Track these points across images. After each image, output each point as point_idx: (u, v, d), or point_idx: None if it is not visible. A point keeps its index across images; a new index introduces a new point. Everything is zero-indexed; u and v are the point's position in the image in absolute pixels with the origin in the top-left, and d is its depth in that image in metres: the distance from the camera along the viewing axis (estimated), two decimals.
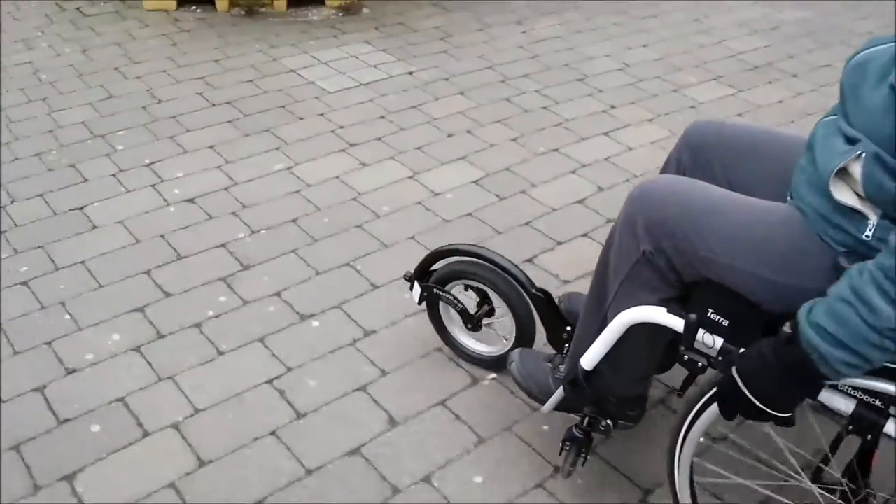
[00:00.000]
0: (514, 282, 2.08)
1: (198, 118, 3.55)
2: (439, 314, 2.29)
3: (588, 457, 1.87)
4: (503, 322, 2.20)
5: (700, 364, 1.59)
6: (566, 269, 2.68)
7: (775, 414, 1.37)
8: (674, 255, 1.56)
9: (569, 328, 2.00)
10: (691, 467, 1.65)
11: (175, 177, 3.13)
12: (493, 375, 2.26)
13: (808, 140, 1.49)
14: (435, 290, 2.20)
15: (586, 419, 1.82)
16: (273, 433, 2.08)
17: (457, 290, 2.21)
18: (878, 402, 1.39)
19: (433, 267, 2.22)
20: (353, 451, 2.04)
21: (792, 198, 1.51)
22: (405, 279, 2.26)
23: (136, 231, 2.82)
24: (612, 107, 3.74)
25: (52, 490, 1.92)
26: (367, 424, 2.11)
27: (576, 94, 3.85)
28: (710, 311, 1.54)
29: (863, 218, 1.34)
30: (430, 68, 4.07)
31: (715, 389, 1.49)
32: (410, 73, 4.01)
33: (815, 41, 4.50)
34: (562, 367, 1.90)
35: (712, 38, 4.51)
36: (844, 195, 1.35)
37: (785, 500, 1.65)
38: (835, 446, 1.55)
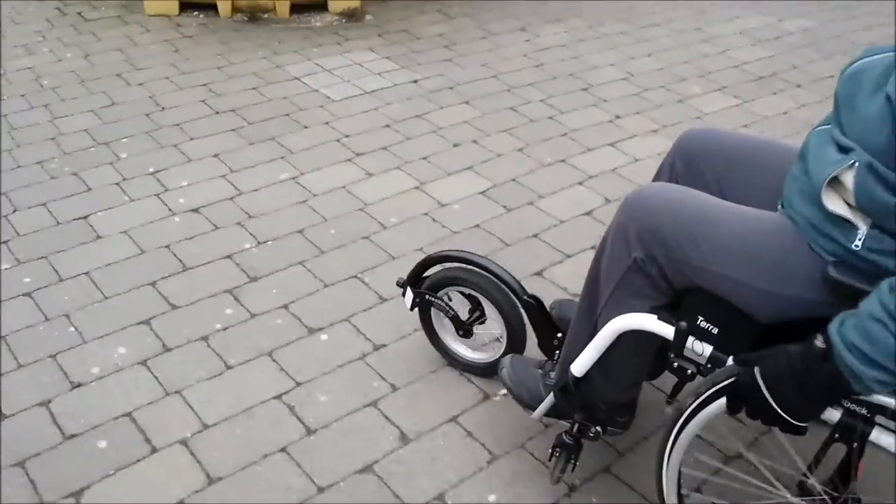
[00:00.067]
0: (505, 288, 2.09)
1: (201, 126, 3.52)
2: (431, 320, 2.29)
3: (577, 463, 1.87)
4: (494, 329, 2.20)
5: (689, 371, 1.62)
6: (575, 282, 2.64)
7: (792, 422, 1.36)
8: (665, 262, 1.57)
9: (560, 335, 2.02)
10: (679, 472, 1.65)
11: (179, 186, 3.10)
12: (505, 391, 2.23)
13: (800, 149, 1.50)
14: (427, 297, 2.20)
15: (576, 425, 1.84)
16: (283, 449, 2.05)
17: (448, 296, 2.22)
18: (863, 411, 1.40)
19: (425, 273, 2.23)
20: (366, 468, 2.01)
21: (783, 207, 1.52)
22: (398, 285, 2.26)
23: (141, 241, 2.79)
24: (618, 117, 3.73)
25: None
26: (379, 441, 2.08)
27: (581, 103, 3.84)
28: (700, 318, 1.56)
29: (852, 228, 1.35)
30: (434, 76, 4.05)
31: (723, 386, 1.47)
32: (415, 82, 3.99)
33: (817, 51, 4.50)
34: (552, 374, 1.91)
35: (715, 48, 4.51)
36: (835, 204, 1.36)
37: None
38: (821, 454, 1.56)
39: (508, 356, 2.02)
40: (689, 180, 1.78)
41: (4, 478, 1.95)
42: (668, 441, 1.60)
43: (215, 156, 3.31)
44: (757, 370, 1.36)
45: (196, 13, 4.66)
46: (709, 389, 1.49)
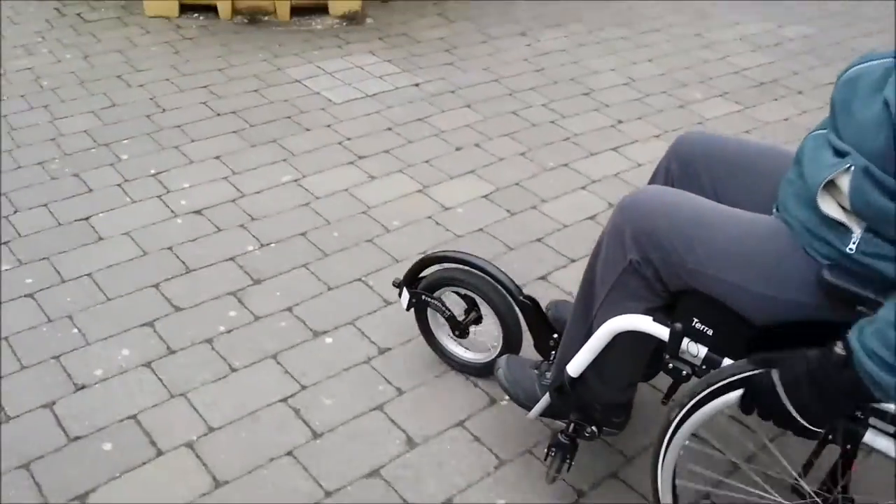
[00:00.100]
0: (501, 289, 2.10)
1: (203, 128, 3.51)
2: (427, 321, 2.29)
3: (573, 463, 1.88)
4: (490, 329, 2.21)
5: (684, 372, 1.64)
6: None
7: (808, 426, 1.36)
8: (661, 265, 1.58)
9: (556, 335, 2.02)
10: (674, 471, 1.65)
11: (181, 188, 3.09)
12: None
13: (796, 154, 1.51)
14: (423, 297, 2.20)
15: (572, 425, 1.84)
16: (289, 453, 2.04)
17: (445, 296, 2.23)
18: (857, 413, 1.40)
19: (422, 273, 2.23)
20: (373, 472, 2.00)
21: (778, 210, 1.53)
22: (394, 285, 2.27)
23: (143, 243, 2.78)
24: (620, 122, 3.73)
25: None
26: (386, 445, 2.07)
27: (582, 108, 3.84)
28: (696, 320, 1.58)
29: (847, 231, 1.36)
30: (435, 80, 4.05)
31: (719, 387, 1.47)
32: (416, 85, 3.99)
33: (817, 58, 4.51)
34: (548, 374, 1.92)
35: (715, 54, 4.51)
36: (830, 208, 1.37)
37: None
38: (814, 456, 1.58)
39: (504, 356, 2.03)
40: (684, 184, 1.80)
41: (9, 480, 1.94)
42: (662, 441, 1.60)
43: (217, 158, 3.30)
44: (775, 373, 1.36)
45: (196, 15, 4.65)
46: (703, 390, 1.50)
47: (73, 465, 1.98)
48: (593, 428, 1.84)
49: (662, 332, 1.59)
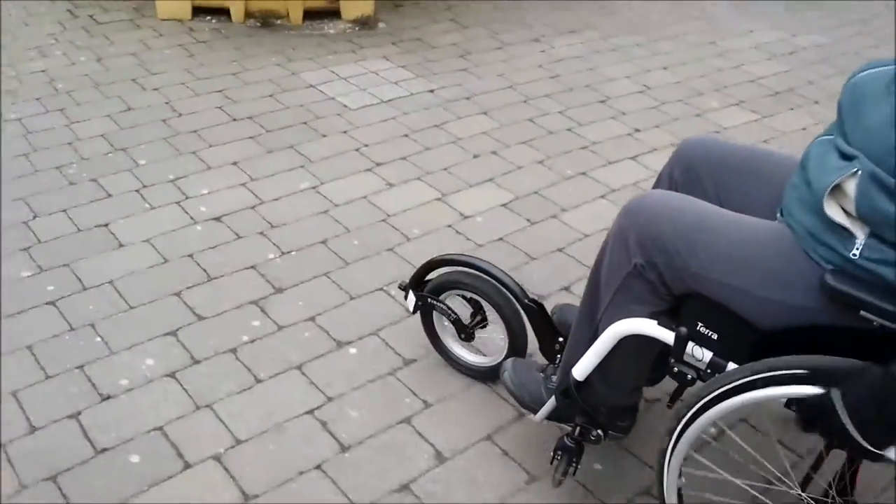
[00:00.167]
0: (507, 292, 2.10)
1: (219, 133, 3.50)
2: (433, 324, 2.29)
3: (578, 466, 1.88)
4: (496, 333, 2.21)
5: (689, 376, 1.63)
6: None
7: (870, 448, 1.34)
8: (665, 269, 1.59)
9: (561, 339, 2.03)
10: (680, 471, 1.65)
11: (200, 194, 3.07)
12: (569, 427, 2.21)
13: (801, 159, 1.52)
14: (429, 300, 2.21)
15: (577, 429, 1.85)
16: (318, 467, 2.03)
17: (451, 300, 2.23)
18: None
19: (428, 276, 2.24)
20: (403, 486, 1.99)
21: (782, 215, 1.54)
22: (400, 288, 2.27)
23: (164, 250, 2.76)
24: (637, 130, 3.72)
25: None
26: (414, 459, 2.06)
27: (599, 116, 3.83)
28: (700, 324, 1.58)
29: (850, 236, 1.37)
30: (450, 86, 4.04)
31: (728, 390, 1.47)
32: (431, 91, 3.97)
33: (832, 67, 4.51)
34: (554, 377, 1.93)
35: (730, 62, 4.51)
36: (834, 212, 1.38)
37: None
38: (820, 461, 1.62)
39: (510, 359, 2.05)
40: (688, 189, 1.81)
41: (37, 492, 1.92)
42: (668, 444, 1.61)
43: (234, 163, 3.28)
44: (836, 393, 1.34)
45: (208, 18, 4.63)
46: (709, 394, 1.50)
47: (100, 478, 1.97)
48: (599, 431, 1.85)
49: (667, 336, 1.60)
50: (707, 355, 1.57)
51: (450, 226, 2.98)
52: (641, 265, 1.61)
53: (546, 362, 2.06)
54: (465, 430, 2.15)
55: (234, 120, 3.61)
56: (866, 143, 1.34)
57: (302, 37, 4.51)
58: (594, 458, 2.07)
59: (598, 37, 4.73)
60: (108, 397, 2.19)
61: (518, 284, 2.10)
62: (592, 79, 4.21)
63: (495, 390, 2.27)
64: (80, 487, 1.94)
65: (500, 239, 2.92)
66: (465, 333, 2.23)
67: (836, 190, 1.37)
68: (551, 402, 1.88)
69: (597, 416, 1.82)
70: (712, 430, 1.92)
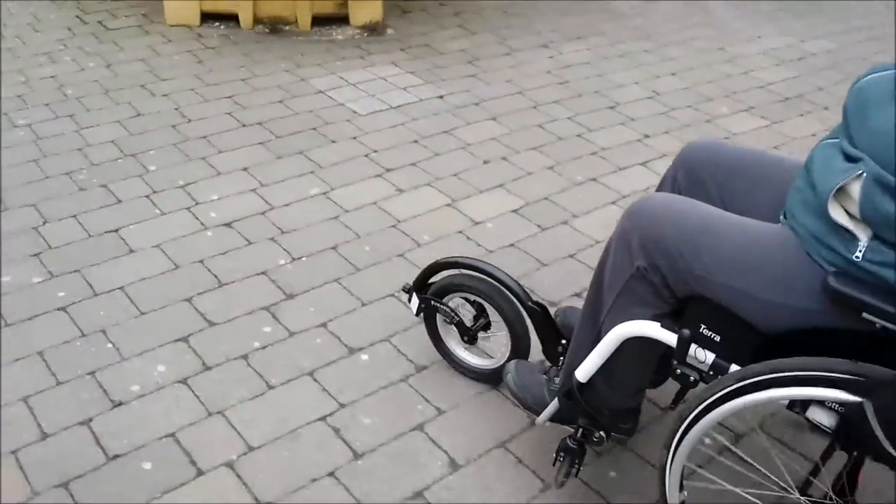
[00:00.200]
0: (510, 295, 2.10)
1: (229, 139, 3.49)
2: (436, 326, 2.29)
3: (581, 468, 1.88)
4: (499, 335, 2.21)
5: (692, 378, 1.64)
6: None
7: None
8: (668, 271, 1.59)
9: (564, 342, 2.03)
10: (682, 473, 1.65)
11: (210, 199, 3.07)
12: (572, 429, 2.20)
13: (805, 162, 1.53)
14: (432, 302, 2.21)
15: (580, 430, 1.86)
16: (331, 474, 2.02)
17: (454, 302, 2.23)
18: None
19: (432, 279, 2.24)
20: (416, 494, 1.97)
21: (785, 218, 1.55)
22: (403, 290, 2.27)
23: (175, 256, 2.75)
24: (647, 136, 3.71)
25: None
26: (428, 466, 2.05)
27: (608, 122, 3.82)
28: (703, 326, 1.59)
29: (853, 239, 1.38)
30: (459, 92, 4.03)
31: (725, 393, 1.47)
32: (440, 97, 3.97)
33: (840, 73, 4.50)
34: (557, 379, 1.93)
35: (738, 68, 4.50)
36: (837, 214, 1.39)
37: None
38: (824, 459, 1.60)
39: (513, 361, 2.05)
40: (691, 192, 1.82)
41: (49, 499, 1.91)
42: (671, 446, 1.60)
43: (244, 169, 3.28)
44: (868, 405, 1.33)
45: (217, 24, 4.63)
46: (711, 396, 1.50)
47: (113, 485, 1.96)
48: (601, 433, 1.86)
49: (670, 338, 1.60)
50: (710, 357, 1.58)
51: (460, 231, 2.97)
52: (644, 268, 1.61)
53: (549, 364, 2.06)
54: (478, 437, 2.14)
55: (244, 126, 3.61)
56: (872, 145, 1.35)
57: (310, 43, 4.51)
58: (610, 466, 2.06)
59: (605, 43, 4.73)
60: (120, 404, 2.18)
61: (521, 287, 2.10)
62: (601, 85, 4.20)
63: (508, 397, 2.25)
64: (92, 494, 1.93)
65: (512, 245, 2.92)
66: (468, 336, 2.23)
67: (840, 192, 1.38)
68: (554, 404, 1.89)
69: (599, 418, 1.83)
70: (707, 441, 1.93)
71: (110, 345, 2.37)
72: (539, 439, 2.13)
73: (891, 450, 1.32)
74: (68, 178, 3.16)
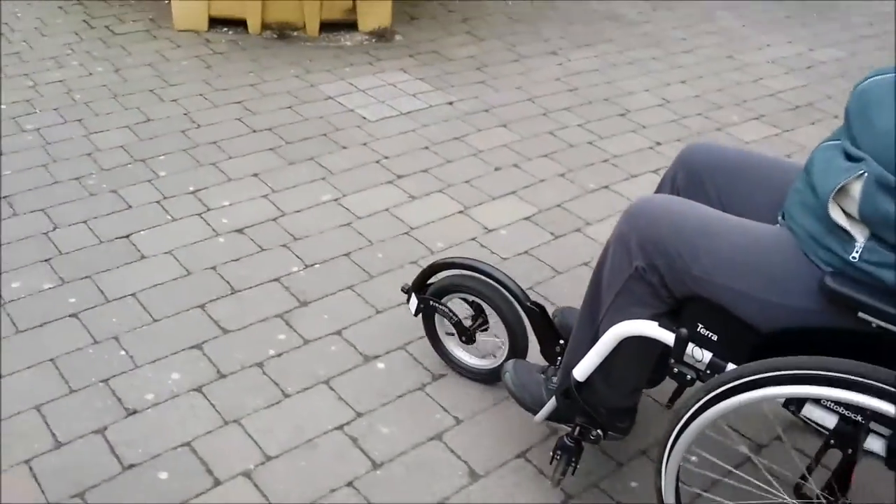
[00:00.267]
0: (508, 295, 2.11)
1: (239, 145, 3.47)
2: (434, 326, 2.29)
3: (577, 466, 1.89)
4: (497, 335, 2.21)
5: (689, 377, 1.66)
6: None
7: None
8: (666, 272, 1.60)
9: (562, 342, 2.04)
10: (678, 472, 1.64)
11: (221, 205, 3.05)
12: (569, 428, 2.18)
13: (805, 164, 1.54)
14: (431, 303, 2.21)
15: (577, 429, 1.87)
16: (350, 484, 1.99)
17: (452, 302, 2.23)
18: (858, 418, 1.43)
19: (430, 280, 2.24)
20: None
21: (783, 218, 1.56)
22: (402, 291, 2.28)
23: (187, 262, 2.73)
24: (658, 143, 3.70)
25: None
26: (448, 477, 2.03)
27: (619, 129, 3.81)
28: (700, 326, 1.61)
29: (850, 239, 1.39)
30: (468, 99, 4.02)
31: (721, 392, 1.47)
32: (450, 104, 3.95)
33: (850, 81, 4.48)
34: (554, 379, 1.94)
35: (748, 76, 4.49)
36: (836, 214, 1.40)
37: None
38: (818, 459, 1.61)
39: (511, 360, 2.06)
40: (690, 193, 1.83)
41: None
42: (667, 444, 1.60)
43: (255, 175, 3.26)
44: None
45: (225, 29, 4.61)
46: (706, 395, 1.50)
47: (129, 495, 1.93)
48: (598, 431, 1.86)
49: (668, 338, 1.61)
50: (707, 356, 1.59)
51: (474, 239, 2.95)
52: (643, 268, 1.62)
53: (547, 364, 2.07)
54: (497, 446, 2.12)
55: (254, 131, 3.59)
56: (874, 146, 1.36)
57: (319, 49, 4.50)
58: (631, 476, 2.04)
59: (614, 50, 4.72)
60: (135, 412, 2.16)
61: (520, 287, 2.10)
62: (611, 92, 4.19)
63: None
64: None
65: (525, 252, 2.90)
66: (466, 336, 2.23)
67: (841, 192, 1.39)
68: (552, 403, 1.89)
69: (597, 417, 1.84)
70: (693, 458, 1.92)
71: (123, 352, 2.35)
72: None
73: None
74: (78, 183, 3.13)
